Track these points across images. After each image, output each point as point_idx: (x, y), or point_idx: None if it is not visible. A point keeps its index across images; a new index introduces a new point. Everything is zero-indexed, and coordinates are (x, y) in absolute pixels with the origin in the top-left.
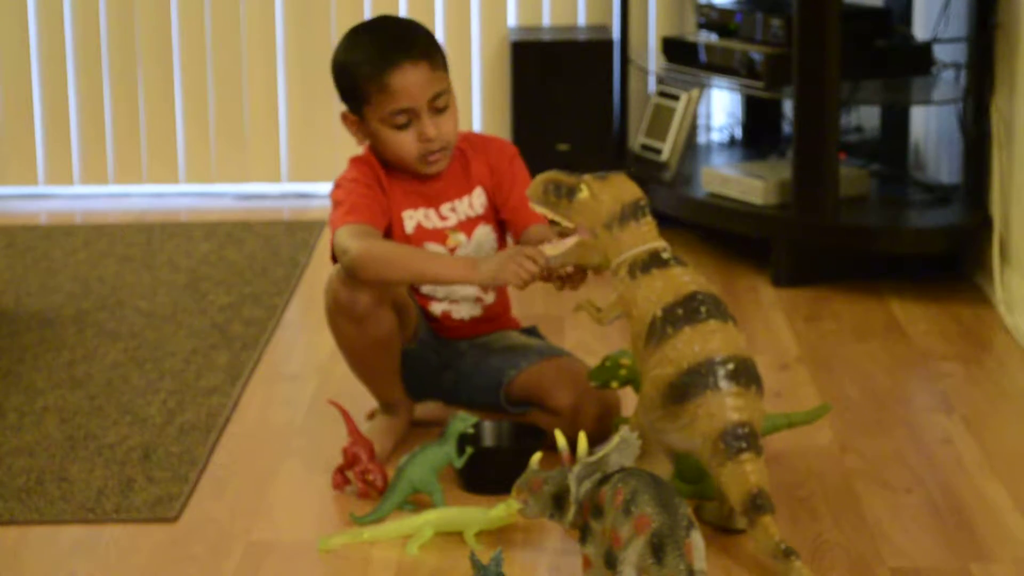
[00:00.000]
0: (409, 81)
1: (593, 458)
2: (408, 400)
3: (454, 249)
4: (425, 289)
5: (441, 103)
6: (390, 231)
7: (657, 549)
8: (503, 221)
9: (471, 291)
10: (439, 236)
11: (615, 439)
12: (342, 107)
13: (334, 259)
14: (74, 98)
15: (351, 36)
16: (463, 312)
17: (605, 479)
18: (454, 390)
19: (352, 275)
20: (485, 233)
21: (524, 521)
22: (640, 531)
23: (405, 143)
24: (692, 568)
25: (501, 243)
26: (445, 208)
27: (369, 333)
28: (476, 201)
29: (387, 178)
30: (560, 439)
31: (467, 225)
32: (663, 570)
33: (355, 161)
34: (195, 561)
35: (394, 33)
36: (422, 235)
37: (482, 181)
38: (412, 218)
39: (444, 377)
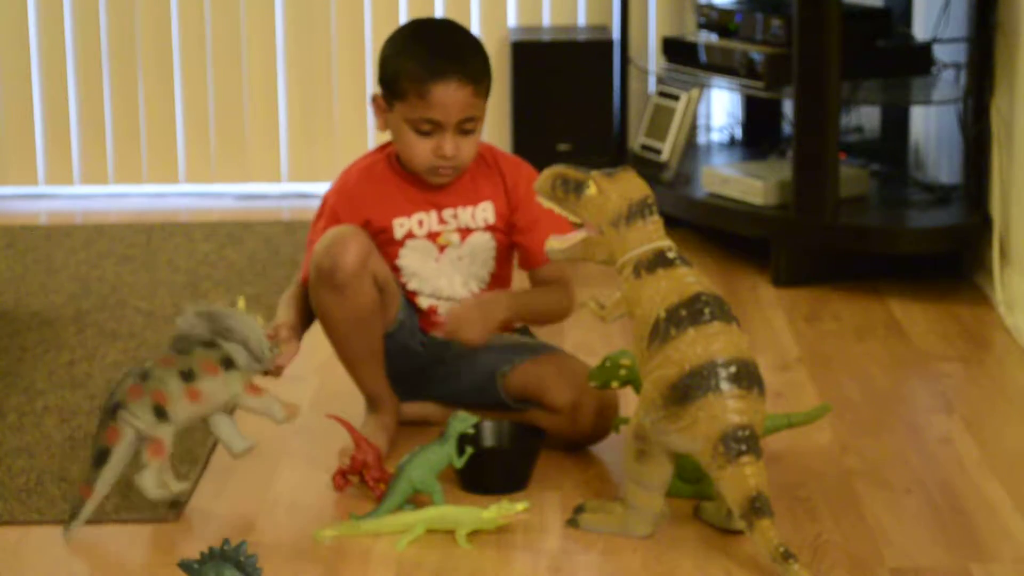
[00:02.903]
0: (450, 98)
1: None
2: (394, 396)
3: (445, 247)
4: (412, 285)
5: (469, 127)
6: (376, 235)
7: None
8: (517, 244)
9: (460, 292)
10: (431, 235)
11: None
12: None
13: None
14: (74, 98)
15: (413, 30)
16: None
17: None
18: (445, 386)
19: None
20: (483, 240)
21: (523, 523)
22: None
23: (421, 150)
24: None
25: (504, 255)
26: (447, 213)
27: (349, 304)
28: (480, 215)
29: (392, 176)
30: None
31: (464, 233)
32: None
33: (366, 158)
34: None
35: (456, 44)
36: (411, 237)
37: (493, 197)
38: (403, 226)
39: (435, 372)
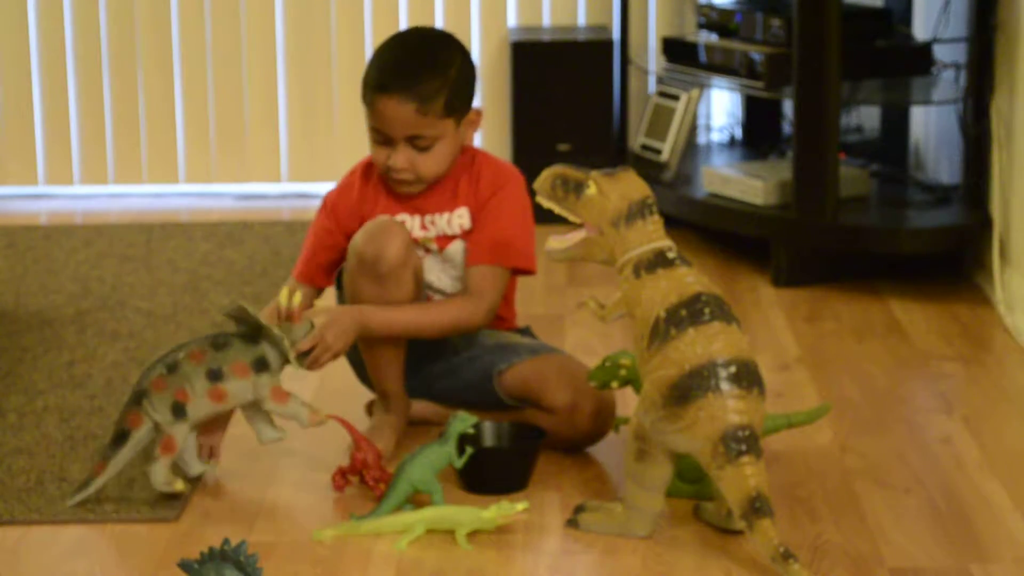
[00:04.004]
0: (391, 112)
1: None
2: (406, 397)
3: (430, 251)
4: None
5: (422, 144)
6: None
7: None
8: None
9: (450, 286)
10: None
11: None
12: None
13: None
14: (74, 98)
15: (393, 38)
16: None
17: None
18: (444, 382)
19: None
20: (459, 249)
21: (523, 523)
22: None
23: (377, 156)
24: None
25: None
26: (427, 219)
27: (389, 296)
28: (456, 220)
29: (381, 179)
30: None
31: (441, 241)
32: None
33: (364, 161)
34: None
35: (414, 62)
36: None
37: (469, 202)
38: None
39: (435, 367)
